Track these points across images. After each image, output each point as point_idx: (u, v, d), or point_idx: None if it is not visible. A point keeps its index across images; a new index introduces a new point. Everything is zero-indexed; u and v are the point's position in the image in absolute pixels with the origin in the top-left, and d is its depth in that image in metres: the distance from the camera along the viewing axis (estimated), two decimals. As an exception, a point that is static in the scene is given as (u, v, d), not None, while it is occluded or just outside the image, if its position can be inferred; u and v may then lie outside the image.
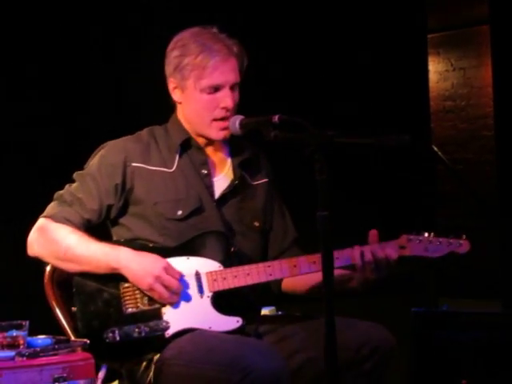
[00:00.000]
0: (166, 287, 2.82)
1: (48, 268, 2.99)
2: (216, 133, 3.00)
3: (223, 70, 2.95)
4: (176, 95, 3.05)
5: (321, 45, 5.36)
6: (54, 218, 2.92)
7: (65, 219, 2.91)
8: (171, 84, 3.03)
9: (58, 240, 2.88)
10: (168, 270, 2.83)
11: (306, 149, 2.55)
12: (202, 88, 2.96)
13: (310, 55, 5.32)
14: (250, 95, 3.08)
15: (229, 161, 3.11)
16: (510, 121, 5.62)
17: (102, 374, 2.81)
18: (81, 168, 3.05)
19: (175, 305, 2.86)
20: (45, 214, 2.96)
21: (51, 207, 2.96)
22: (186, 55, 2.96)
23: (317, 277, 2.87)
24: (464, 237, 3.01)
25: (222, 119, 2.97)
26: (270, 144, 2.72)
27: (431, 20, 6.42)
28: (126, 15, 4.43)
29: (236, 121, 2.92)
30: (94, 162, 3.01)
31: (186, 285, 2.88)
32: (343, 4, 5.48)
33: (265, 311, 3.36)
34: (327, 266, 2.52)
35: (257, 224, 3.07)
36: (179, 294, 2.85)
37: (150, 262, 2.83)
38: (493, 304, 5.71)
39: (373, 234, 2.93)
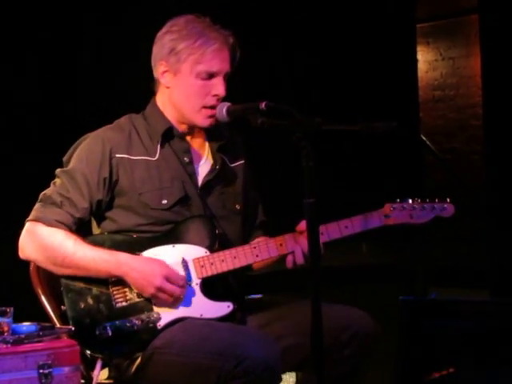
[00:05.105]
0: (169, 295, 2.81)
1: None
2: (202, 120, 2.98)
3: (220, 58, 2.95)
4: (165, 79, 3.00)
5: (309, 34, 5.35)
6: (45, 221, 2.84)
7: (56, 222, 2.85)
8: (161, 67, 2.99)
9: (53, 246, 2.83)
10: (170, 277, 2.81)
11: (293, 136, 2.55)
12: (197, 72, 2.94)
13: (298, 44, 5.31)
14: (238, 84, 3.07)
15: (207, 145, 3.09)
16: (498, 110, 5.62)
17: (97, 372, 2.78)
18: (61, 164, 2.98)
19: None
20: (33, 217, 2.87)
21: (39, 210, 2.88)
22: (183, 39, 2.94)
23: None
24: (449, 200, 3.01)
25: (212, 107, 2.95)
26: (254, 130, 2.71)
27: (420, 10, 6.42)
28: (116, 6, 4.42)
29: (223, 108, 2.92)
30: (78, 156, 2.95)
31: None
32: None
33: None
34: (314, 253, 2.52)
35: (238, 207, 3.07)
36: (183, 299, 2.84)
37: (151, 272, 2.80)
38: (481, 293, 5.71)
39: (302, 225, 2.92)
